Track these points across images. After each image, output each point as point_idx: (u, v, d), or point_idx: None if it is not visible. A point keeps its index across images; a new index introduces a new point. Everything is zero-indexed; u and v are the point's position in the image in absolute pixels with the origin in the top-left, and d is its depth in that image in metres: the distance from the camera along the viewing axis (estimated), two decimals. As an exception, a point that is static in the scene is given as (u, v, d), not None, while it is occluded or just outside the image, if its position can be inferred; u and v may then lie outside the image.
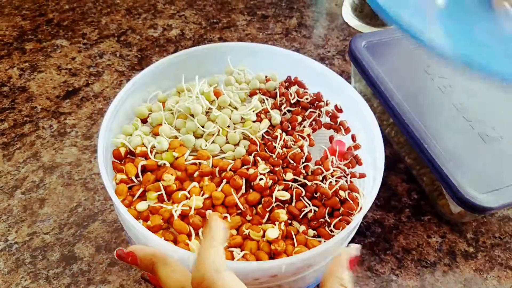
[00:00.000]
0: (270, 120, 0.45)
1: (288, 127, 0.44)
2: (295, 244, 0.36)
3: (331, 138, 0.45)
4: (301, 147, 0.42)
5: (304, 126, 0.45)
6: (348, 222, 0.37)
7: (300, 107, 0.46)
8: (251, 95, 0.47)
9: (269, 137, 0.43)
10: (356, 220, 0.36)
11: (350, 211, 0.37)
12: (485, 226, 0.52)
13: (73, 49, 0.68)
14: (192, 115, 0.44)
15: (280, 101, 0.46)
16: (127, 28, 0.72)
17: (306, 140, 0.43)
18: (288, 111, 0.46)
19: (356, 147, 0.43)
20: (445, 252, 0.50)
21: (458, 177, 0.45)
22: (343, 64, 0.69)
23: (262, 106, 0.45)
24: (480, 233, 0.52)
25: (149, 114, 0.45)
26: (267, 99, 0.46)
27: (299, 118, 0.45)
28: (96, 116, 0.59)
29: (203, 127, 0.43)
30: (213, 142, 0.43)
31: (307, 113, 0.45)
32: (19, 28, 0.71)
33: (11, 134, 0.57)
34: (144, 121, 0.45)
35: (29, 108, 0.60)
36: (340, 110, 0.46)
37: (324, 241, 0.37)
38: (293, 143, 0.43)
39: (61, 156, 0.55)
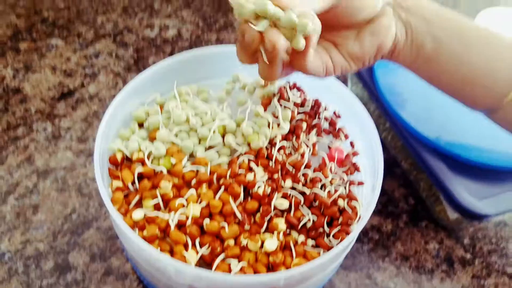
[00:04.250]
0: (278, 125, 0.44)
1: (292, 137, 0.43)
2: (294, 256, 0.36)
3: (329, 146, 0.45)
4: (302, 155, 0.42)
5: (311, 135, 0.44)
6: (347, 232, 0.36)
7: (306, 115, 0.45)
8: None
9: (268, 145, 0.43)
10: (356, 230, 0.36)
11: (349, 221, 0.37)
12: (482, 231, 0.52)
13: (68, 49, 0.67)
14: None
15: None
16: (123, 28, 0.71)
17: (310, 150, 0.43)
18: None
19: (355, 154, 0.43)
20: (443, 258, 0.50)
21: (455, 183, 0.45)
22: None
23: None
24: (477, 239, 0.52)
25: (147, 118, 0.44)
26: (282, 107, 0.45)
27: (304, 126, 0.44)
28: (91, 119, 0.58)
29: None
30: (210, 146, 0.42)
31: (314, 122, 0.45)
32: (13, 27, 0.69)
33: (4, 137, 0.56)
34: (141, 125, 0.45)
35: (23, 110, 0.59)
36: (339, 116, 0.46)
37: (323, 252, 0.37)
38: (292, 150, 0.42)
39: (56, 160, 0.54)
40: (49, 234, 0.48)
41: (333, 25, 0.36)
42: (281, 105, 0.45)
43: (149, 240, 0.36)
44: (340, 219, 0.38)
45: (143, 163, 0.41)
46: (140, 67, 0.65)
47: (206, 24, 0.73)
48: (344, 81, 0.63)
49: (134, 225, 0.38)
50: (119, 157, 0.40)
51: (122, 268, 0.46)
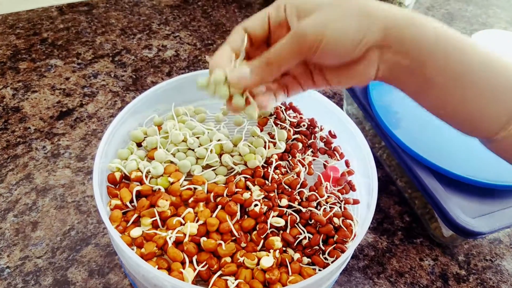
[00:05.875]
0: (274, 145, 0.45)
1: (288, 156, 0.44)
2: (290, 273, 0.36)
3: (325, 164, 0.45)
4: (298, 173, 0.42)
5: (307, 154, 0.45)
6: (342, 250, 0.37)
7: (302, 135, 0.46)
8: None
9: (265, 164, 0.44)
10: (351, 248, 0.36)
11: (344, 239, 0.38)
12: (477, 248, 0.53)
13: (67, 69, 0.68)
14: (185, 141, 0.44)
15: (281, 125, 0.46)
16: (122, 48, 0.72)
17: (306, 169, 0.43)
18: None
19: (350, 173, 0.44)
20: (437, 275, 0.50)
21: (449, 201, 0.46)
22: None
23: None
24: (472, 256, 0.52)
25: (145, 137, 0.45)
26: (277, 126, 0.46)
27: (300, 145, 0.45)
28: (90, 137, 0.59)
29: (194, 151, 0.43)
30: (207, 165, 0.43)
31: (310, 142, 0.46)
32: (13, 47, 0.71)
33: (4, 155, 0.56)
34: (139, 144, 0.46)
35: (22, 128, 0.60)
36: (334, 136, 0.47)
37: (319, 269, 0.37)
38: (288, 169, 0.43)
39: (54, 178, 0.54)
40: (48, 250, 0.48)
41: (311, 66, 0.37)
42: (277, 125, 0.46)
43: (147, 257, 0.36)
44: (336, 237, 0.38)
45: (141, 181, 0.41)
46: (138, 87, 0.66)
47: (204, 44, 0.74)
48: (340, 101, 0.64)
49: (132, 242, 0.38)
50: (117, 176, 0.41)
51: (120, 283, 0.46)
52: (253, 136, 0.46)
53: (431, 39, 0.32)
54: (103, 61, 0.70)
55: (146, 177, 0.41)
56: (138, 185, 0.41)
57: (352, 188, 0.43)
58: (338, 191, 0.42)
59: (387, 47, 0.32)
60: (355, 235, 0.38)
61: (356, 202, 0.42)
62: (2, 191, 0.53)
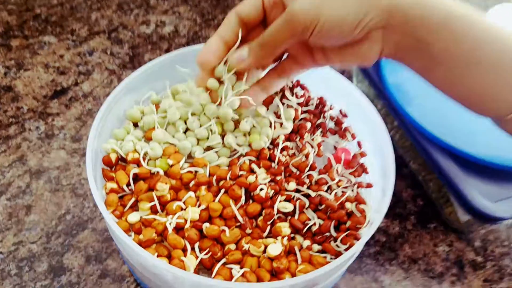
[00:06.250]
0: (280, 125, 0.41)
1: (296, 137, 0.41)
2: (299, 261, 0.34)
3: (335, 146, 0.42)
4: (306, 155, 0.39)
5: (316, 135, 0.42)
6: (356, 237, 0.34)
7: (311, 114, 0.43)
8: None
9: (270, 146, 0.41)
10: (366, 235, 0.34)
11: (358, 225, 0.35)
12: (493, 234, 0.50)
13: (62, 46, 0.65)
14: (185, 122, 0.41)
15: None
16: (118, 25, 0.69)
17: (315, 151, 0.40)
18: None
19: (362, 154, 0.41)
20: (453, 261, 0.48)
21: (467, 185, 0.43)
22: (344, 63, 0.67)
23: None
24: (489, 242, 0.50)
25: (142, 117, 0.42)
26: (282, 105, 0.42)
27: (308, 125, 0.42)
28: (86, 117, 0.56)
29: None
30: (209, 146, 0.40)
31: (319, 121, 0.43)
32: (4, 24, 0.67)
33: (-4, 136, 0.54)
34: (136, 124, 0.43)
35: (14, 108, 0.57)
36: (345, 115, 0.44)
37: (330, 257, 0.34)
38: (296, 151, 0.40)
39: (49, 160, 0.52)
40: (43, 235, 0.46)
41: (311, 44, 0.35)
42: (283, 103, 0.42)
43: (146, 244, 0.34)
44: (348, 223, 0.35)
45: (138, 164, 0.38)
46: (136, 65, 0.63)
47: (204, 20, 0.71)
48: (349, 78, 0.61)
49: (130, 228, 0.36)
50: (113, 157, 0.38)
51: (118, 270, 0.44)
52: (258, 116, 0.42)
53: (438, 18, 0.30)
54: (98, 38, 0.66)
55: (144, 159, 0.38)
56: (135, 167, 0.38)
57: (365, 170, 0.40)
58: (350, 174, 0.39)
59: (391, 27, 0.31)
60: (369, 222, 0.35)
61: (369, 186, 0.39)
62: (-6, 174, 0.50)
